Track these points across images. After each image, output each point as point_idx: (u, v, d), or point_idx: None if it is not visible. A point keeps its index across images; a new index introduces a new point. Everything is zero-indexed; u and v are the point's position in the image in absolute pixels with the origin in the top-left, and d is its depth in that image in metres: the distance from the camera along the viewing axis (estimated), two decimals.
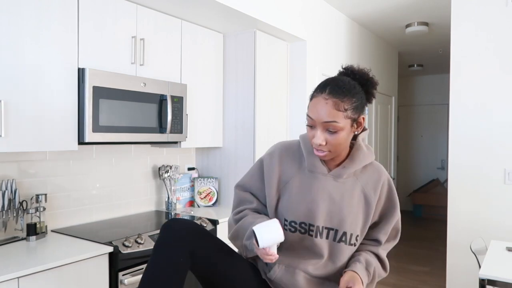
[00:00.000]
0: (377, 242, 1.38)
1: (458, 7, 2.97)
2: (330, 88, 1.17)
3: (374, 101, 1.58)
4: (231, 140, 3.07)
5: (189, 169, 3.20)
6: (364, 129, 1.35)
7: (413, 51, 5.54)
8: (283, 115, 3.29)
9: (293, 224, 1.28)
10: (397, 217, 1.38)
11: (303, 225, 1.28)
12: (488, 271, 1.87)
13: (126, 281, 1.94)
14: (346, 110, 1.16)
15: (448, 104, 6.30)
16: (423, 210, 7.36)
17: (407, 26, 4.23)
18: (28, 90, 1.85)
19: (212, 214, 2.79)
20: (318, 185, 1.28)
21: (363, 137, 1.35)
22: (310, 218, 1.28)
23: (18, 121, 1.82)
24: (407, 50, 5.48)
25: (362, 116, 1.23)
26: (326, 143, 1.19)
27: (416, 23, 4.15)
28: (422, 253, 4.99)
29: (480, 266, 2.21)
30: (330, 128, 1.17)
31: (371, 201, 1.31)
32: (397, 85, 5.63)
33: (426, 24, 4.17)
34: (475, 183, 2.91)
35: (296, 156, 1.35)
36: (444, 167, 7.39)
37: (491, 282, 1.83)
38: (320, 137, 1.18)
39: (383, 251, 1.39)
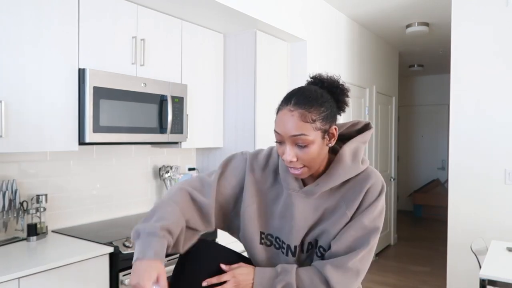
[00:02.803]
0: (329, 251, 1.17)
1: (458, 7, 2.97)
2: (295, 98, 1.08)
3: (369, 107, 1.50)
4: (231, 140, 3.07)
5: (190, 169, 3.20)
6: (368, 127, 1.24)
7: (413, 51, 5.54)
8: None
9: (262, 235, 1.23)
10: (360, 227, 1.14)
11: (269, 236, 1.23)
12: (489, 271, 1.87)
13: (126, 282, 1.94)
14: (314, 121, 1.06)
15: (448, 104, 6.29)
16: (423, 210, 7.36)
17: (408, 26, 4.23)
18: (28, 90, 1.85)
19: None
20: (288, 202, 1.20)
21: (364, 140, 1.21)
22: (279, 233, 1.21)
23: (18, 121, 1.82)
24: (408, 50, 5.48)
25: (333, 127, 1.11)
26: (298, 159, 1.09)
27: (416, 23, 4.15)
28: (422, 253, 4.98)
29: (480, 266, 2.21)
30: (299, 142, 1.07)
31: (349, 215, 1.16)
32: (398, 85, 5.64)
33: (426, 24, 4.17)
34: (476, 183, 2.91)
35: (270, 167, 1.25)
36: (444, 167, 7.39)
37: (491, 282, 1.83)
38: (290, 153, 1.08)
39: (333, 270, 1.11)
